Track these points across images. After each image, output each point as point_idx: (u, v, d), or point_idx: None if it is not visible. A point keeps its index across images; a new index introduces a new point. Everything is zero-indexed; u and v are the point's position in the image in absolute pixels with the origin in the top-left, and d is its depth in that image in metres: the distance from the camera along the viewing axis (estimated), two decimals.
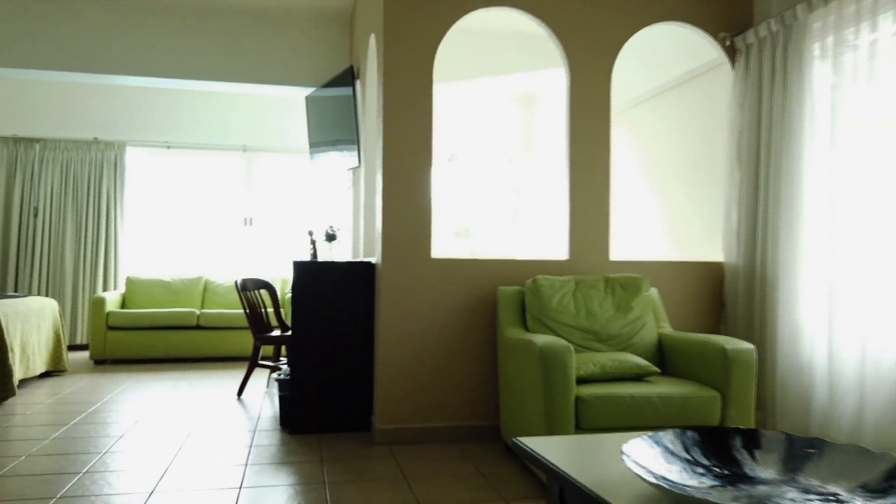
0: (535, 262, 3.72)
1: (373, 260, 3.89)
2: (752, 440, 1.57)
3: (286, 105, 7.58)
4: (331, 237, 4.58)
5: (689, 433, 1.58)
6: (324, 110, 5.49)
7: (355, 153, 4.88)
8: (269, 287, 4.94)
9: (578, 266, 3.74)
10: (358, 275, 3.85)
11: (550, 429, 2.69)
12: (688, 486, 1.25)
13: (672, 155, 4.87)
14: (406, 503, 2.67)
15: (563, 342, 2.76)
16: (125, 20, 5.42)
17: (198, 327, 6.44)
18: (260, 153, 7.59)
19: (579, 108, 3.77)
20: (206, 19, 5.56)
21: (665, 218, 4.91)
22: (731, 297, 3.80)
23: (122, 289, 7.09)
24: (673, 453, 1.51)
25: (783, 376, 3.37)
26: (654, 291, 3.58)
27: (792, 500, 1.28)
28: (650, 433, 1.58)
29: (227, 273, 7.42)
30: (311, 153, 5.82)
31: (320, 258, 5.04)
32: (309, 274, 3.81)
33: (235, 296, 7.02)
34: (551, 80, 6.28)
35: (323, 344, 3.81)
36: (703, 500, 1.17)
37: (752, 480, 1.41)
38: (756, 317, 3.58)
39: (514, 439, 1.78)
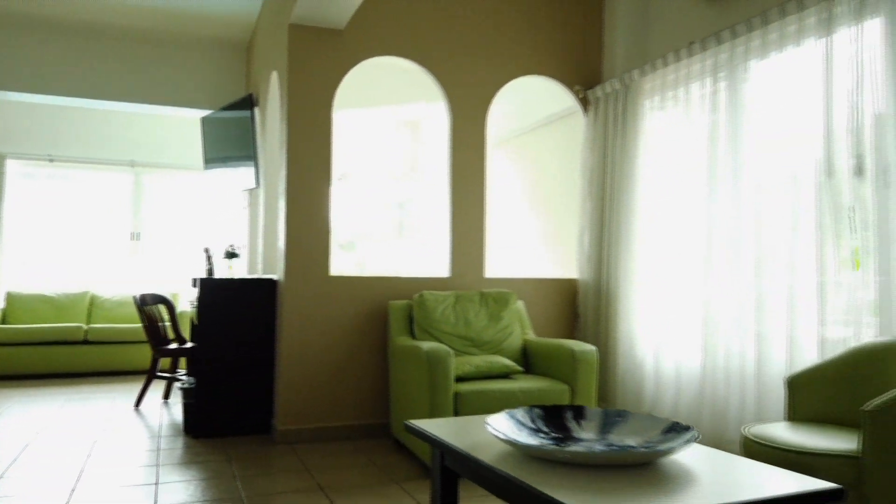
0: (420, 279, 4.25)
1: (275, 276, 4.27)
2: (579, 413, 2.17)
3: (176, 123, 7.71)
4: (231, 255, 4.89)
5: (535, 409, 2.16)
6: (221, 131, 5.77)
7: (251, 174, 5.23)
8: (166, 302, 5.17)
9: (458, 282, 4.31)
10: (260, 290, 4.22)
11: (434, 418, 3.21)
12: (531, 444, 1.80)
13: (544, 184, 5.59)
14: (310, 488, 3.10)
15: (445, 347, 3.30)
16: (20, 38, 5.46)
17: (85, 342, 6.46)
18: (149, 169, 7.66)
19: (459, 146, 4.36)
20: (104, 40, 5.70)
21: (537, 239, 5.62)
22: (583, 308, 4.51)
23: (1, 304, 6.93)
24: (522, 423, 2.08)
25: (622, 372, 4.10)
26: (520, 304, 4.21)
27: (598, 449, 1.88)
28: (507, 410, 2.14)
29: (114, 288, 7.42)
30: (206, 167, 6.07)
31: (217, 275, 5.33)
32: (214, 289, 4.14)
33: (124, 310, 7.06)
34: (435, 109, 6.90)
35: (227, 354, 4.14)
36: (538, 449, 1.74)
37: (577, 440, 2.01)
38: (602, 324, 4.31)
39: (406, 421, 2.30)
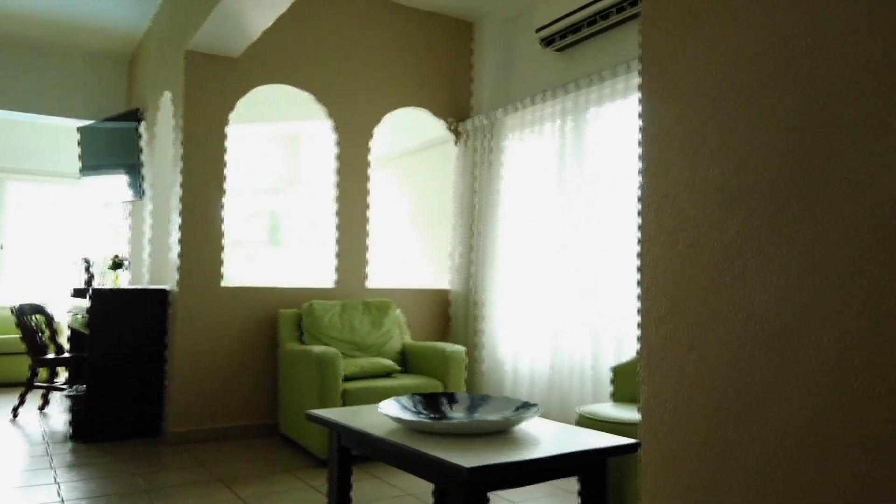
0: (308, 289, 4.64)
1: (166, 287, 4.49)
2: (451, 399, 2.69)
3: (43, 129, 7.52)
4: (117, 265, 5.02)
5: (416, 396, 2.66)
6: (102, 142, 5.83)
7: (134, 185, 5.38)
8: (44, 312, 5.19)
9: (343, 292, 4.74)
10: (152, 300, 4.43)
11: None
12: (415, 420, 2.30)
13: (421, 203, 6.14)
14: (209, 480, 3.41)
15: (334, 350, 3.73)
16: None
17: None
18: (14, 175, 7.43)
19: (345, 168, 4.80)
20: None
21: (415, 253, 6.15)
22: (454, 315, 5.09)
23: None
24: (406, 407, 2.57)
25: (486, 369, 4.70)
26: (399, 312, 4.71)
27: (466, 421, 2.41)
28: (394, 398, 2.63)
29: None
30: (83, 175, 6.07)
31: (97, 285, 5.41)
32: (107, 299, 4.31)
33: None
34: (315, 126, 7.27)
35: (118, 361, 4.31)
36: (420, 423, 2.24)
37: (449, 418, 2.52)
38: (469, 329, 4.90)
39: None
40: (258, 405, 4.44)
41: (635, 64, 3.79)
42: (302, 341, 4.24)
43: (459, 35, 5.30)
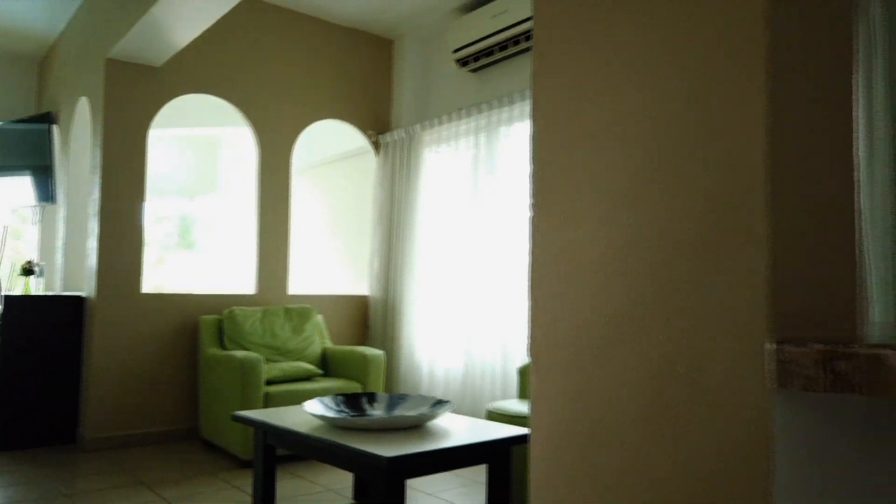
0: (228, 296, 4.73)
1: (82, 293, 4.48)
2: (371, 398, 2.91)
3: None
4: (28, 271, 4.93)
5: (339, 396, 2.87)
6: (10, 144, 5.68)
7: (45, 190, 5.30)
8: None
9: (264, 298, 4.86)
10: (66, 307, 4.41)
11: None
12: (338, 417, 2.50)
13: (342, 211, 6.30)
14: (131, 484, 3.48)
15: (256, 355, 3.87)
16: None
17: None
18: None
19: (266, 177, 4.93)
20: None
21: (336, 259, 6.31)
22: (373, 320, 5.29)
23: None
24: (329, 406, 2.77)
25: (404, 371, 4.94)
26: (320, 317, 4.87)
27: (385, 417, 2.63)
28: (318, 398, 2.82)
29: None
30: None
31: (5, 291, 5.28)
32: (19, 306, 4.26)
33: None
34: (236, 132, 7.31)
35: (30, 368, 4.27)
36: (344, 420, 2.45)
37: (370, 415, 2.74)
38: (388, 333, 5.12)
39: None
40: (177, 410, 4.50)
41: None
42: (223, 347, 4.34)
43: (380, 51, 5.53)
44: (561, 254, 1.29)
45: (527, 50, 4.44)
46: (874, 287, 2.60)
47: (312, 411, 2.60)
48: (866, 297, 2.68)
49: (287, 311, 4.63)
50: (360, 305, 5.36)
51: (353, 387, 4.17)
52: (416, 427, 2.59)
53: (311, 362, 4.48)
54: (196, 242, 8.12)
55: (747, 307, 0.98)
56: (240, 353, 3.89)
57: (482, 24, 4.54)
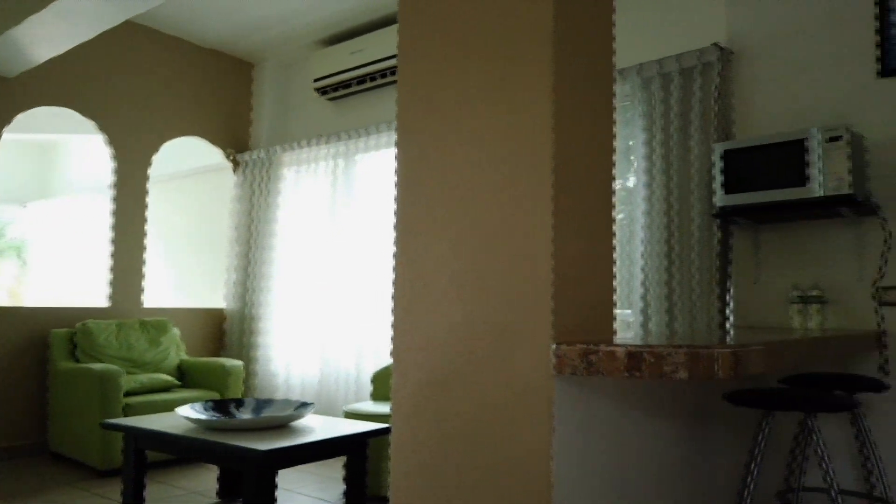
0: (79, 309, 4.72)
1: None
2: (239, 403, 3.21)
3: None
4: None
5: (208, 402, 3.14)
6: None
7: None
8: None
9: (117, 311, 4.89)
10: None
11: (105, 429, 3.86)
12: (212, 419, 2.79)
13: (199, 224, 6.37)
14: None
15: (116, 367, 3.98)
16: None
17: None
18: None
19: (122, 190, 4.97)
20: None
21: (192, 272, 6.36)
22: (229, 332, 5.47)
23: None
24: (200, 411, 3.04)
25: (260, 381, 5.18)
26: (176, 330, 4.99)
27: (254, 418, 2.96)
28: (189, 404, 3.07)
29: None
30: None
31: None
32: None
33: None
34: (79, 140, 7.12)
35: None
36: (217, 422, 2.75)
37: (240, 418, 3.04)
38: (245, 345, 5.34)
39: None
40: (23, 424, 4.42)
41: (395, 124, 4.62)
42: (76, 360, 4.36)
43: (240, 73, 5.74)
44: (416, 280, 1.76)
45: (383, 85, 4.91)
46: (652, 305, 3.33)
47: (187, 415, 2.86)
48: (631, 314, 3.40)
49: (143, 323, 4.71)
50: (215, 318, 5.52)
51: (213, 396, 4.37)
52: (283, 426, 2.93)
53: (167, 374, 4.60)
54: (12, 250, 7.75)
55: (541, 323, 1.51)
56: (98, 366, 3.97)
57: (341, 59, 4.95)
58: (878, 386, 2.42)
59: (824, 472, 2.04)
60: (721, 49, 3.23)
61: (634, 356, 1.40)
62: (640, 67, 3.46)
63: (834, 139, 2.65)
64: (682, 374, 1.37)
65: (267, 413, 3.16)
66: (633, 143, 3.53)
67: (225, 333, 5.52)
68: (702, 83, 3.27)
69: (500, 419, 1.54)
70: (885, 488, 2.46)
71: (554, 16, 1.57)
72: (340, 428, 2.94)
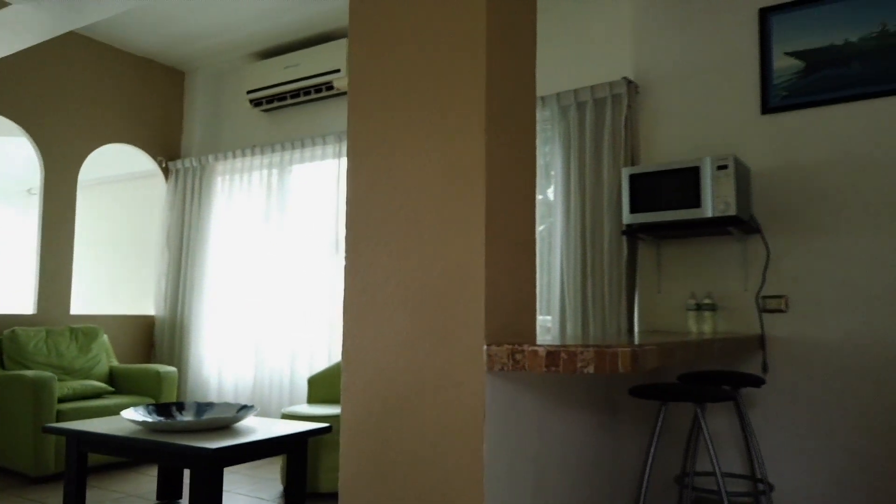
0: (5, 316, 4.67)
1: None
2: (181, 406, 3.34)
3: None
4: None
5: (150, 406, 3.25)
6: None
7: None
8: None
9: (44, 318, 4.85)
10: None
11: (38, 436, 3.87)
12: (157, 421, 2.91)
13: (126, 230, 6.33)
14: None
15: (49, 374, 3.99)
16: None
17: None
18: None
19: (50, 197, 4.94)
20: None
21: (120, 279, 6.30)
22: (159, 338, 5.50)
23: None
24: (144, 414, 3.15)
25: (192, 386, 5.24)
26: (105, 337, 4.99)
27: (181, 425, 3.10)
28: (132, 408, 3.18)
29: None
30: None
31: None
32: None
33: None
34: None
35: None
36: (162, 423, 2.88)
37: (185, 420, 3.17)
38: (175, 351, 5.38)
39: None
40: None
41: (330, 137, 4.82)
42: (4, 367, 4.32)
43: (171, 82, 5.78)
44: (364, 289, 2.00)
45: (317, 99, 5.10)
46: (569, 311, 3.67)
47: (132, 418, 2.98)
48: (559, 320, 3.74)
49: (72, 330, 4.71)
50: (145, 325, 5.53)
51: (146, 401, 4.43)
52: (226, 427, 3.09)
53: (99, 380, 4.62)
54: None
55: (475, 327, 1.79)
56: (30, 373, 3.98)
57: (276, 73, 5.10)
58: (757, 382, 2.82)
59: (710, 457, 2.41)
60: (629, 83, 3.62)
61: (552, 354, 1.70)
62: (558, 96, 3.82)
63: (722, 167, 3.06)
64: (591, 369, 1.68)
65: (209, 415, 3.30)
66: (550, 160, 3.88)
67: (154, 340, 5.54)
68: (612, 112, 3.65)
69: (441, 409, 1.81)
70: (763, 470, 2.87)
71: (486, 56, 1.85)
72: (282, 428, 3.13)
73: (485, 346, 1.77)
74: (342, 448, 2.00)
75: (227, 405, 3.39)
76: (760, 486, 2.94)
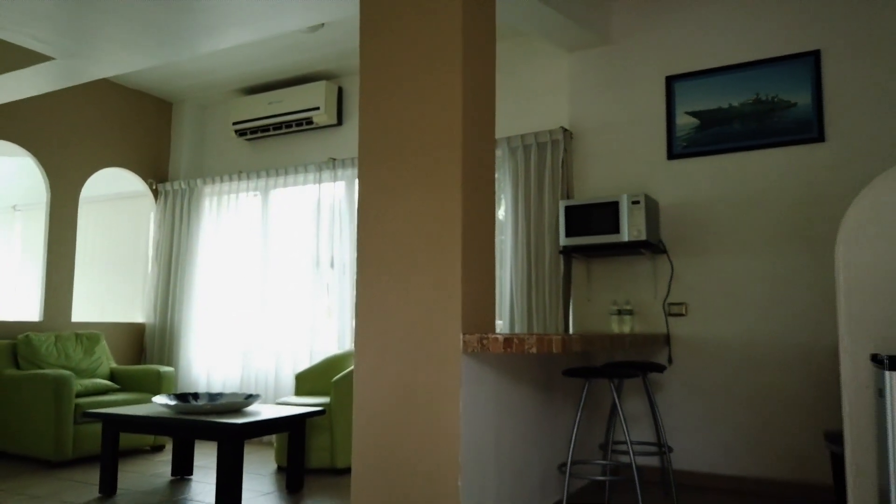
0: (14, 323, 5.20)
1: None
2: (196, 396, 4.00)
3: None
4: None
5: (171, 395, 3.90)
6: None
7: None
8: None
9: (50, 325, 5.39)
10: None
11: (59, 426, 4.44)
12: (187, 405, 3.58)
13: (117, 245, 6.86)
14: None
15: (67, 372, 4.57)
16: None
17: None
18: None
19: (56, 216, 5.49)
20: None
21: (118, 289, 6.83)
22: (149, 344, 6.08)
23: None
24: (169, 400, 3.80)
25: (183, 386, 5.84)
26: (105, 342, 5.55)
27: (206, 408, 3.79)
28: (158, 395, 3.83)
29: None
30: None
31: None
32: None
33: None
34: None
35: None
36: (193, 407, 3.56)
37: (202, 405, 3.84)
38: (166, 353, 5.97)
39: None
40: None
41: (311, 167, 5.54)
42: (19, 369, 4.86)
43: (160, 112, 6.39)
44: (372, 297, 2.75)
45: (298, 132, 5.81)
46: (517, 316, 4.49)
47: (166, 402, 3.63)
48: (512, 318, 4.54)
49: (77, 335, 5.27)
50: (136, 331, 6.10)
51: (149, 397, 5.04)
52: (238, 411, 3.77)
53: (103, 380, 5.19)
54: None
55: (454, 322, 2.59)
56: (51, 372, 4.55)
57: (260, 107, 5.79)
58: (661, 368, 3.68)
59: (622, 427, 3.24)
60: (565, 131, 4.48)
61: (508, 340, 2.49)
62: (508, 139, 4.65)
63: (636, 202, 3.93)
64: (534, 350, 2.47)
65: (224, 401, 3.97)
66: (502, 185, 4.70)
67: (145, 344, 6.11)
68: (552, 154, 4.50)
69: (429, 381, 2.58)
70: (664, 438, 3.73)
71: (462, 126, 2.65)
72: (285, 410, 3.83)
73: (461, 335, 2.55)
74: (354, 410, 2.75)
75: (235, 394, 4.07)
76: (663, 450, 3.79)
